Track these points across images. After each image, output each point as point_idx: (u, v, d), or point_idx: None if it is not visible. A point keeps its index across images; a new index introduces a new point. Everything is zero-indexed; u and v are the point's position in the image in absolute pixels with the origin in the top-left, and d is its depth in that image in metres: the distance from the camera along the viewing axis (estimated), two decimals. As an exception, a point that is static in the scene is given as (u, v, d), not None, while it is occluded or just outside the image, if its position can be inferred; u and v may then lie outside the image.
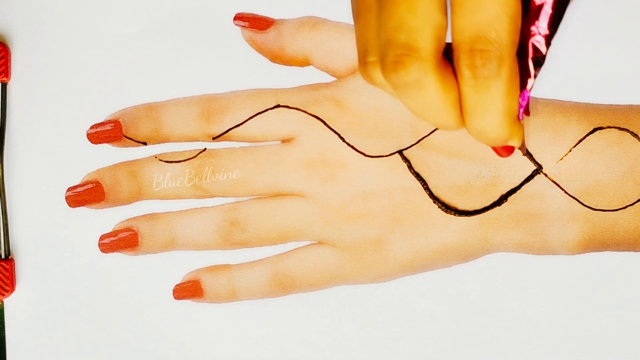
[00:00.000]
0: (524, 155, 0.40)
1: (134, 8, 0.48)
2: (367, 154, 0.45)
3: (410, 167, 0.45)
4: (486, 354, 0.47)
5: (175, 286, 0.47)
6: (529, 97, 0.34)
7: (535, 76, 0.34)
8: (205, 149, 0.46)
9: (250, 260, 0.47)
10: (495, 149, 0.37)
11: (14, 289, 0.48)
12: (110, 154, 0.47)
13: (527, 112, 0.35)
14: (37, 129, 0.48)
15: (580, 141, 0.44)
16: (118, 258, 0.48)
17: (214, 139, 0.46)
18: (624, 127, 0.44)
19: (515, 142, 0.34)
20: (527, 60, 0.33)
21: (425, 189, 0.45)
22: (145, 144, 0.47)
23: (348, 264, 0.46)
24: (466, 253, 0.45)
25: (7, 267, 0.47)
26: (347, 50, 0.45)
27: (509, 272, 0.47)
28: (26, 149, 0.48)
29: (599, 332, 0.47)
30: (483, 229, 0.45)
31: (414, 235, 0.45)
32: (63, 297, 0.48)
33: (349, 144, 0.45)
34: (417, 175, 0.45)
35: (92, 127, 0.46)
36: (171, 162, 0.46)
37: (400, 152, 0.45)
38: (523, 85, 0.34)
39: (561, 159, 0.44)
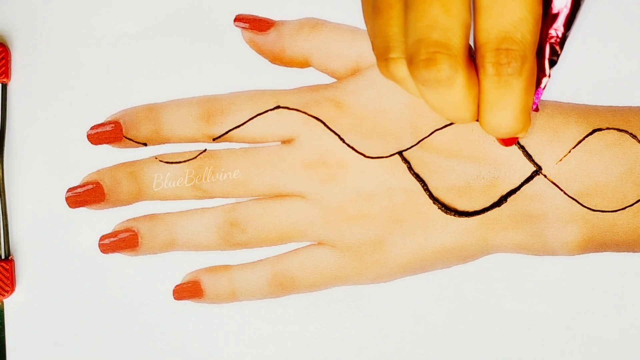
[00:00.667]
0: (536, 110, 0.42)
1: (134, 8, 0.48)
2: (367, 155, 0.45)
3: (410, 168, 0.45)
4: (486, 355, 0.47)
5: (175, 287, 0.47)
6: (541, 94, 0.37)
7: (549, 75, 0.36)
8: (205, 149, 0.46)
9: (250, 260, 0.47)
10: (500, 139, 0.39)
11: (14, 290, 0.48)
12: (110, 155, 0.47)
13: (537, 108, 0.37)
14: (37, 130, 0.48)
15: (579, 142, 0.44)
16: (118, 259, 0.48)
17: (214, 139, 0.46)
18: (623, 128, 0.44)
19: (523, 135, 0.37)
20: (543, 60, 0.36)
21: (425, 189, 0.45)
22: (145, 144, 0.47)
23: (348, 265, 0.46)
24: (466, 254, 0.45)
25: (7, 267, 0.47)
26: (347, 52, 0.46)
27: (509, 273, 0.47)
28: (26, 150, 0.48)
29: (598, 333, 0.47)
30: (483, 229, 0.45)
31: (414, 236, 0.45)
32: (63, 297, 0.48)
33: (349, 145, 0.45)
34: (417, 176, 0.45)
35: (92, 128, 0.46)
36: (171, 162, 0.46)
37: (400, 153, 0.45)
38: (538, 83, 0.36)
39: (560, 160, 0.44)
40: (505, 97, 0.34)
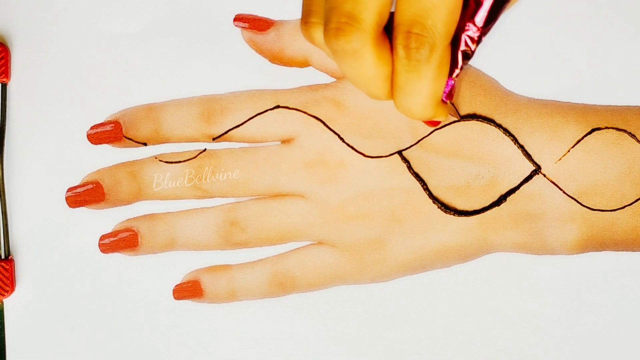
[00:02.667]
0: (458, 119, 0.43)
1: (134, 8, 0.48)
2: (366, 154, 0.45)
3: (409, 167, 0.45)
4: (485, 354, 0.47)
5: (175, 286, 0.47)
6: (453, 85, 0.37)
7: (462, 68, 0.36)
8: (205, 149, 0.46)
9: (250, 260, 0.47)
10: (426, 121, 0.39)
11: (13, 289, 0.48)
12: (110, 155, 0.47)
13: (450, 96, 0.37)
14: (37, 130, 0.48)
15: (578, 142, 0.44)
16: (118, 258, 0.48)
17: (214, 139, 0.46)
18: (622, 127, 0.44)
19: (439, 119, 0.37)
20: (457, 51, 0.36)
21: (424, 189, 0.45)
22: (145, 144, 0.47)
23: (348, 264, 0.46)
24: (465, 253, 0.45)
25: (7, 267, 0.47)
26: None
27: (508, 272, 0.47)
28: (26, 150, 0.48)
29: (598, 332, 0.47)
30: (482, 229, 0.45)
31: (414, 235, 0.45)
32: (63, 297, 0.48)
33: (348, 145, 0.45)
34: (417, 176, 0.45)
35: (92, 128, 0.46)
36: (171, 162, 0.46)
37: (399, 152, 0.45)
38: (450, 73, 0.36)
39: (560, 159, 0.44)
40: (413, 82, 0.35)
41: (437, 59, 0.34)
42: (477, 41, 0.36)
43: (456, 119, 0.44)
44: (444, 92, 0.37)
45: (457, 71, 0.36)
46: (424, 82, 0.35)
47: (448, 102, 0.38)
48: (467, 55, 0.36)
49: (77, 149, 0.47)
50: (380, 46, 0.34)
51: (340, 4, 0.34)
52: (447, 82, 0.37)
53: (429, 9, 0.33)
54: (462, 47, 0.36)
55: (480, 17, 0.36)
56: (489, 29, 0.36)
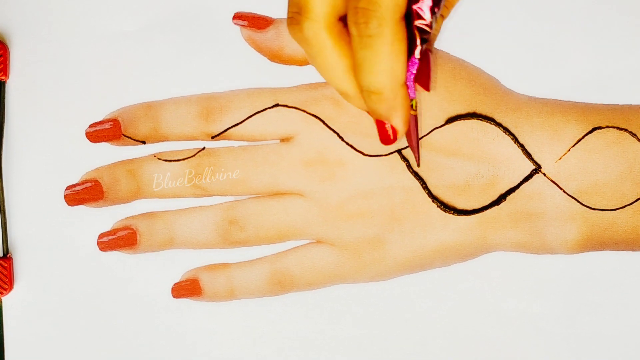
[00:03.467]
0: (418, 165, 0.41)
1: (132, 7, 0.48)
2: (366, 153, 0.45)
3: (409, 166, 0.45)
4: (485, 353, 0.47)
5: (174, 285, 0.47)
6: (417, 65, 0.36)
7: (422, 44, 0.35)
8: (204, 148, 0.46)
9: (249, 259, 0.47)
10: (380, 130, 0.38)
11: (12, 287, 0.48)
12: (109, 153, 0.47)
13: (423, 83, 0.36)
14: (36, 128, 0.48)
15: (579, 141, 0.44)
16: (117, 256, 0.48)
17: (213, 138, 0.46)
18: (623, 126, 0.44)
19: (400, 121, 0.37)
20: (412, 26, 0.35)
21: (424, 188, 0.45)
22: (144, 142, 0.47)
23: (347, 263, 0.46)
24: (465, 252, 0.45)
25: (6, 265, 0.47)
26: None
27: (508, 271, 0.47)
28: (25, 148, 0.48)
29: (598, 332, 0.47)
30: (482, 228, 0.45)
31: (413, 234, 0.45)
32: (61, 295, 0.48)
33: (347, 143, 0.45)
34: (416, 175, 0.45)
35: (91, 126, 0.46)
36: (170, 160, 0.46)
37: (399, 151, 0.45)
38: (411, 52, 0.35)
39: (560, 158, 0.44)
40: (369, 58, 0.35)
41: (389, 32, 0.34)
42: (432, 12, 0.35)
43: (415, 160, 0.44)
44: (410, 73, 0.36)
45: (418, 49, 0.35)
46: (379, 57, 0.35)
47: (415, 112, 0.37)
48: (424, 31, 0.35)
49: (76, 147, 0.47)
50: (338, 36, 0.35)
51: None
52: (411, 60, 0.36)
53: None
54: (416, 21, 0.35)
55: None
56: (443, 1, 0.35)
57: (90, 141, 0.46)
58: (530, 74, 0.46)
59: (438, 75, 0.45)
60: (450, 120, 0.44)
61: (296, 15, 0.35)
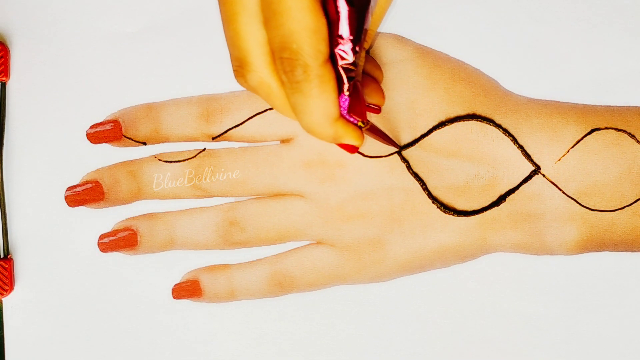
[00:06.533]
0: (398, 149, 0.43)
1: (133, 8, 0.48)
2: (365, 154, 0.45)
3: (409, 167, 0.45)
4: (485, 353, 0.47)
5: (174, 286, 0.47)
6: (348, 100, 0.37)
7: (349, 80, 0.36)
8: (204, 149, 0.46)
9: (249, 260, 0.47)
10: (341, 146, 0.40)
11: (12, 288, 0.48)
12: (109, 154, 0.47)
13: (358, 113, 0.37)
14: (36, 129, 0.48)
15: (578, 142, 0.44)
16: (117, 258, 0.48)
17: (213, 139, 0.46)
18: (622, 128, 0.44)
19: (352, 141, 0.38)
20: (337, 67, 0.36)
21: (423, 189, 0.45)
22: (144, 143, 0.47)
23: (347, 264, 0.46)
24: (464, 253, 0.45)
25: (6, 266, 0.47)
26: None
27: (507, 272, 0.47)
28: (26, 149, 0.48)
29: (598, 332, 0.47)
30: (481, 229, 0.45)
31: (413, 235, 0.45)
32: (62, 296, 0.48)
33: (347, 144, 0.45)
34: (416, 176, 0.45)
35: (91, 127, 0.46)
36: (171, 162, 0.46)
37: (399, 152, 0.45)
38: (341, 89, 0.37)
39: (559, 159, 0.44)
40: (301, 102, 0.36)
41: (315, 76, 0.35)
42: (354, 52, 0.36)
43: (396, 150, 0.44)
44: (342, 108, 0.37)
45: (346, 86, 0.37)
46: (310, 100, 0.36)
47: (367, 127, 0.38)
48: (349, 70, 0.36)
49: (76, 148, 0.47)
50: (281, 79, 0.36)
51: (231, 52, 0.37)
52: (341, 98, 0.37)
53: (290, 33, 0.34)
54: (340, 62, 0.36)
55: (343, 28, 0.36)
56: (364, 37, 0.36)
57: (91, 142, 0.46)
58: (529, 75, 0.46)
59: (438, 76, 0.45)
60: (450, 121, 0.44)
61: (239, 69, 0.37)
